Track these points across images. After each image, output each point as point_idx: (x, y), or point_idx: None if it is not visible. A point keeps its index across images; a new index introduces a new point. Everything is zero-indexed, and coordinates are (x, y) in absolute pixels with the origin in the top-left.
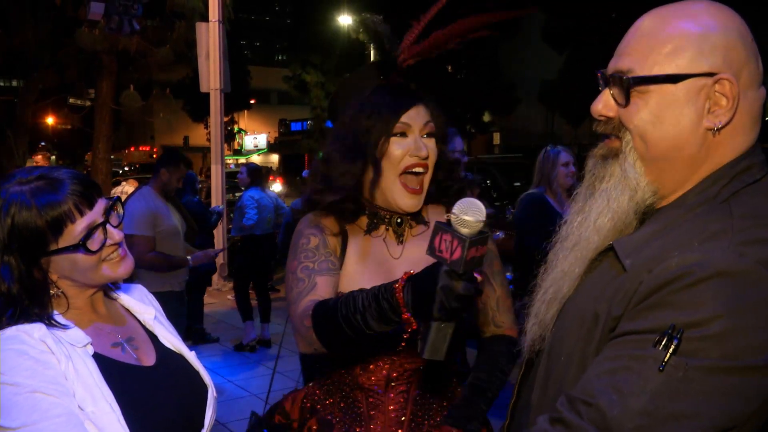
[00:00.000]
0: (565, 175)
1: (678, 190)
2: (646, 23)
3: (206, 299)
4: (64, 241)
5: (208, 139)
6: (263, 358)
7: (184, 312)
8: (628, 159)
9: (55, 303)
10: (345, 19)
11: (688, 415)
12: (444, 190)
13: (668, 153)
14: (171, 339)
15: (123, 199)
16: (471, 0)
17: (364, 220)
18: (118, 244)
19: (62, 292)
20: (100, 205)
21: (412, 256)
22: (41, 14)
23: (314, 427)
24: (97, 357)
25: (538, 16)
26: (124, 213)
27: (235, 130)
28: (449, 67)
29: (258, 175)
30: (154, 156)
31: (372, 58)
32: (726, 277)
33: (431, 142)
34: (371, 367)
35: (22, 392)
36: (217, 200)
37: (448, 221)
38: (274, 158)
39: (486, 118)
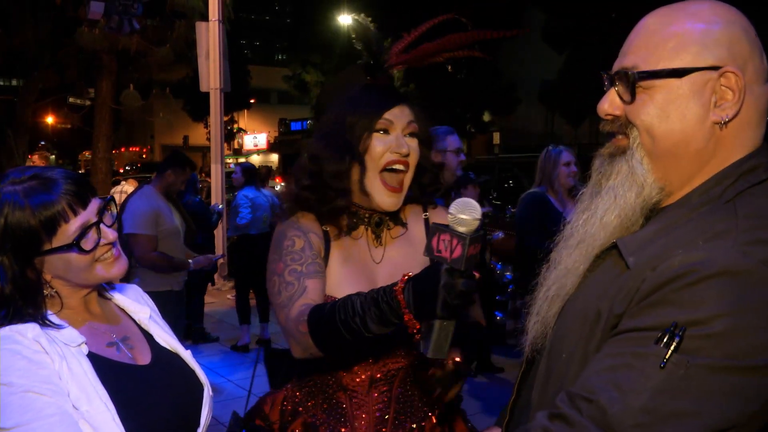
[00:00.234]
0: (567, 175)
1: (684, 187)
2: (650, 22)
3: (206, 298)
4: (58, 240)
5: (208, 139)
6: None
7: (183, 311)
8: (636, 155)
9: (48, 303)
10: (345, 19)
11: (689, 413)
12: (427, 193)
13: (675, 148)
14: (166, 338)
15: (123, 199)
16: (468, 10)
17: (344, 220)
18: (112, 244)
19: (56, 292)
20: (94, 204)
21: (393, 259)
22: (41, 14)
23: (298, 431)
24: (92, 356)
25: (538, 16)
26: (118, 212)
27: (235, 130)
28: (449, 67)
29: (252, 175)
30: (144, 156)
31: None
32: (729, 276)
33: (413, 142)
34: (355, 368)
35: (15, 392)
36: (217, 200)
37: (445, 224)
38: (274, 158)
39: (486, 118)
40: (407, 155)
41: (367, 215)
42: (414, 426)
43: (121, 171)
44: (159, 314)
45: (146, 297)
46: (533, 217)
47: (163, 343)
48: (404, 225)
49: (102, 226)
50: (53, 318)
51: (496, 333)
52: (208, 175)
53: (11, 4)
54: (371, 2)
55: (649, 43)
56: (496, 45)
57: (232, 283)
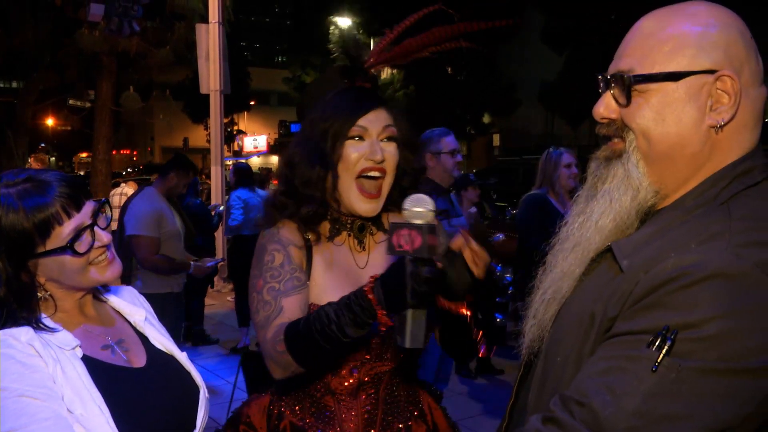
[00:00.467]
0: (568, 177)
1: (680, 190)
2: (646, 24)
3: (207, 300)
4: (52, 243)
5: (208, 141)
6: None
7: (182, 313)
8: (632, 159)
9: (42, 306)
10: (344, 21)
11: (682, 416)
12: (407, 196)
13: (671, 151)
14: (162, 340)
15: (124, 201)
16: (468, 11)
17: (326, 226)
18: (106, 247)
19: (50, 295)
20: (88, 207)
21: (377, 263)
22: (41, 14)
23: None
24: (86, 359)
25: (537, 16)
26: (120, 214)
27: (235, 132)
28: (449, 69)
29: (245, 176)
30: (135, 159)
31: None
32: (722, 278)
33: (390, 146)
34: (343, 372)
35: (9, 396)
36: (216, 201)
37: (403, 222)
38: (274, 160)
39: (486, 119)
40: (382, 161)
41: (349, 221)
42: (401, 426)
43: (123, 173)
44: (155, 316)
45: (142, 299)
46: (534, 219)
47: (158, 345)
48: (386, 230)
49: (96, 228)
50: (47, 321)
51: (496, 334)
52: (208, 177)
53: (11, 5)
54: (371, 3)
55: (645, 45)
56: (495, 46)
57: (232, 285)
